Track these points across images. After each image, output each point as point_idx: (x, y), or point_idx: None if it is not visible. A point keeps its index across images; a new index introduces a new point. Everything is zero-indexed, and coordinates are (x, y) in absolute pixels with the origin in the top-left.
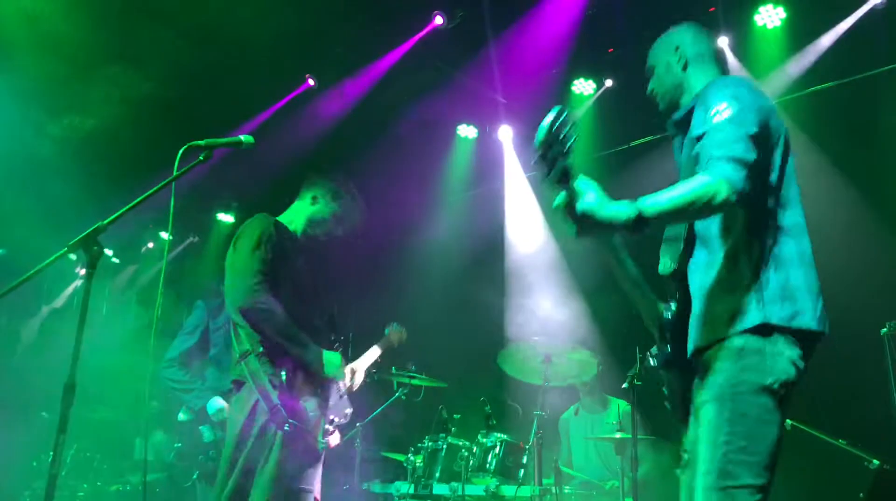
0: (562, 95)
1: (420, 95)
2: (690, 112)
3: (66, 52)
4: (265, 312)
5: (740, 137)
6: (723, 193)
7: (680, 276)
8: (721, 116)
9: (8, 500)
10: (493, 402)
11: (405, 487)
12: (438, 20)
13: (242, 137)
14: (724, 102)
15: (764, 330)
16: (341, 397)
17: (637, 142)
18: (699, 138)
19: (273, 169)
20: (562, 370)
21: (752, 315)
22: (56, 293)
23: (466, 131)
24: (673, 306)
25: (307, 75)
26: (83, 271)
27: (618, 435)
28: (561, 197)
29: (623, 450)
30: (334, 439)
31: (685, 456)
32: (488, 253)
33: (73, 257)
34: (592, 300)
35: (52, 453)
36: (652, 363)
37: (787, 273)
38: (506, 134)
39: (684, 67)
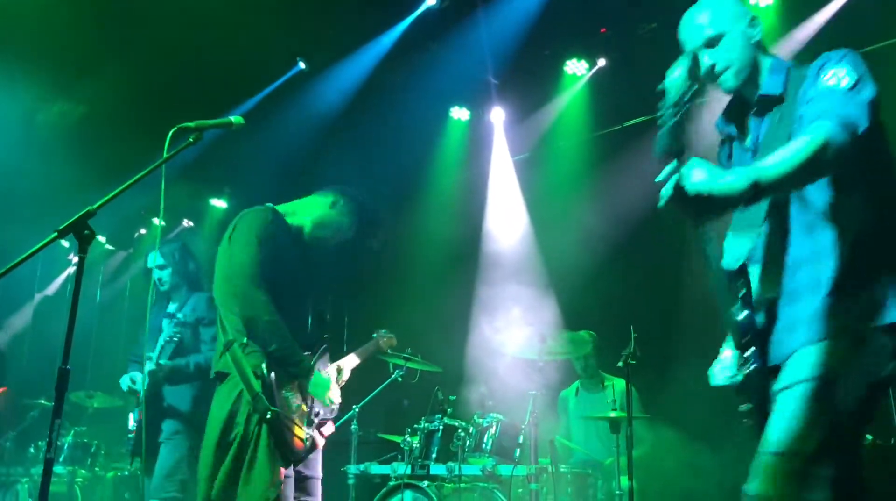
0: (554, 75)
1: (411, 76)
2: (784, 86)
3: (54, 38)
4: (256, 312)
5: (857, 102)
6: (832, 147)
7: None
8: (838, 81)
9: (6, 488)
10: (486, 383)
11: (402, 468)
12: (430, 0)
13: (232, 118)
14: (844, 69)
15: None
16: None
17: (631, 122)
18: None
19: (265, 153)
20: (557, 348)
21: (893, 311)
22: (48, 281)
23: (459, 114)
24: (743, 306)
25: (298, 58)
26: (76, 259)
27: (613, 414)
28: (669, 169)
29: (618, 429)
30: (326, 429)
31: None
32: (483, 235)
33: (65, 244)
34: (585, 280)
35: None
36: (725, 377)
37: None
38: (497, 116)
39: (758, 45)
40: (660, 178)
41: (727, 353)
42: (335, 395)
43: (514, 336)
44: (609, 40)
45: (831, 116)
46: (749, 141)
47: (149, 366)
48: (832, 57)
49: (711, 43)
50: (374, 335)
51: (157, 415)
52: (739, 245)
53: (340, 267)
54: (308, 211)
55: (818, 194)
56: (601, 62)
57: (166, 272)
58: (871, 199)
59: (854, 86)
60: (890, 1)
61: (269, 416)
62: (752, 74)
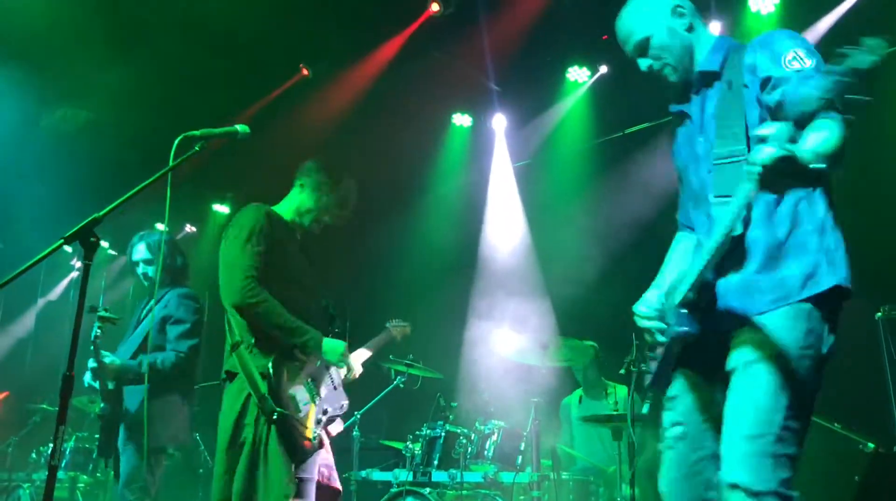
0: (556, 82)
1: (414, 83)
2: (723, 63)
3: (59, 44)
4: (256, 306)
5: (833, 81)
6: (844, 143)
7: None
8: (804, 63)
9: (8, 493)
10: (488, 390)
11: (404, 474)
12: (434, 7)
13: (238, 127)
14: (801, 50)
15: (832, 295)
16: (335, 388)
17: (632, 129)
18: (768, 81)
19: (268, 159)
20: (559, 355)
21: (825, 278)
22: (51, 286)
23: (461, 120)
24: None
25: (301, 65)
26: (79, 264)
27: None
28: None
29: (620, 435)
30: (335, 427)
31: (677, 429)
32: (484, 242)
33: (68, 249)
34: (588, 286)
35: (51, 444)
36: (657, 326)
37: (840, 233)
38: (499, 122)
39: (689, 29)
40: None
41: (652, 293)
42: (350, 358)
43: (515, 342)
44: (611, 47)
45: (834, 117)
46: (695, 116)
47: (92, 364)
48: (775, 36)
49: (643, 48)
50: (388, 325)
51: (116, 417)
52: (709, 210)
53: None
54: (291, 205)
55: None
56: (603, 69)
57: (152, 267)
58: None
59: (818, 64)
60: (890, 10)
61: (275, 417)
62: (688, 63)
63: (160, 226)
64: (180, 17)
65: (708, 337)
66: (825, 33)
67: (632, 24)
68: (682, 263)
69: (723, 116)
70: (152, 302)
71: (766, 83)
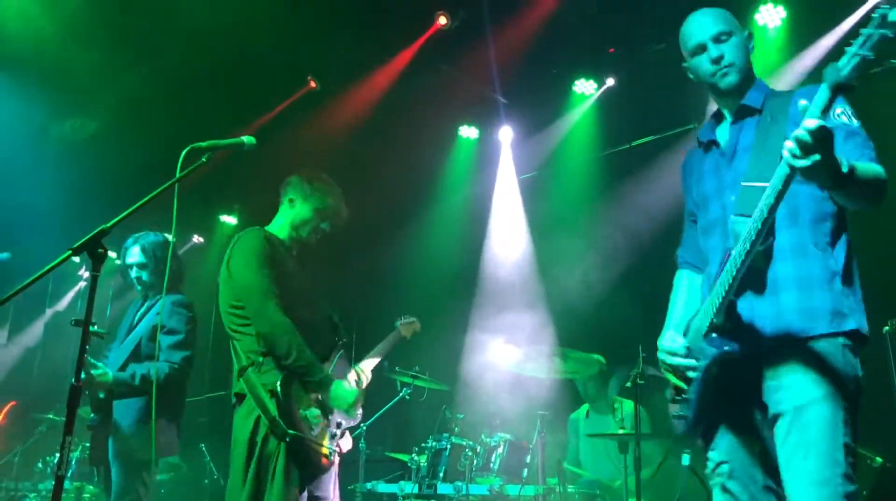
0: (563, 94)
1: (422, 95)
2: (763, 103)
3: (68, 55)
4: (277, 332)
5: (873, 148)
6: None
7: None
8: (853, 121)
9: None
10: (494, 403)
11: (409, 487)
12: (442, 20)
13: (245, 138)
14: (850, 109)
15: (855, 336)
16: None
17: (638, 142)
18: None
19: (276, 170)
20: (564, 366)
21: (851, 319)
22: (60, 296)
23: (468, 132)
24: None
25: (309, 77)
26: (87, 274)
27: (621, 431)
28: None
29: (626, 449)
30: (345, 443)
31: (724, 467)
32: (490, 254)
33: (76, 259)
34: (594, 298)
35: (57, 454)
36: (682, 356)
37: (859, 280)
38: (506, 135)
39: (750, 61)
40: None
41: (669, 334)
42: (357, 405)
43: (518, 354)
44: (618, 60)
45: (877, 162)
46: (726, 146)
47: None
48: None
49: (720, 38)
50: (396, 324)
51: (106, 428)
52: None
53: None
54: (283, 222)
55: (814, 203)
56: (609, 82)
57: (147, 271)
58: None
59: (860, 127)
60: None
61: (287, 440)
62: (745, 80)
63: (168, 236)
64: (188, 28)
65: (737, 366)
66: (830, 48)
67: (719, 17)
68: (691, 300)
69: (760, 146)
70: (143, 309)
71: None
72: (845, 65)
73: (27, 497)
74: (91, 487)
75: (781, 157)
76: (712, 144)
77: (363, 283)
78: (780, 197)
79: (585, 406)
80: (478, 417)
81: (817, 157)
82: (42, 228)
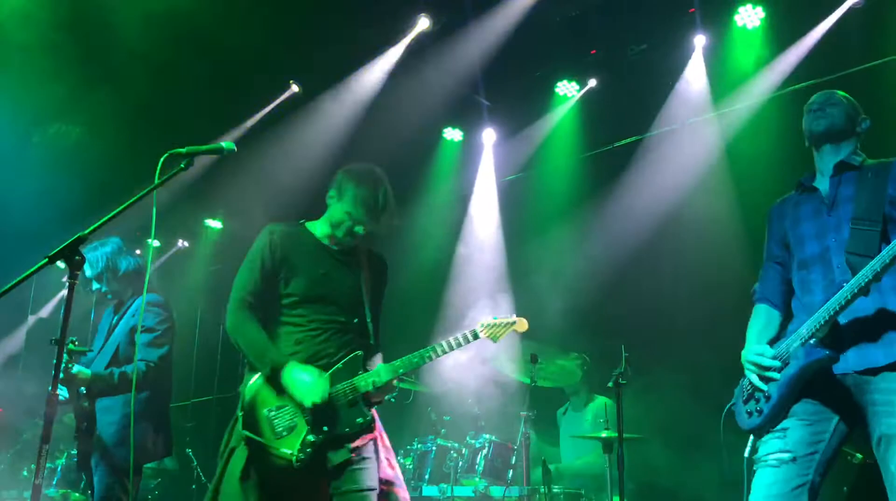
0: (545, 96)
1: (405, 98)
2: (861, 163)
3: (50, 60)
4: (232, 328)
5: None
6: None
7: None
8: None
9: None
10: (478, 404)
11: None
12: (425, 22)
13: (224, 144)
14: None
15: None
16: (350, 405)
17: (621, 142)
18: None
19: (259, 174)
20: (548, 372)
21: None
22: (42, 303)
23: (452, 134)
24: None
25: (290, 81)
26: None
27: (603, 435)
28: None
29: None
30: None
31: (786, 455)
32: (474, 254)
33: (60, 266)
34: (577, 298)
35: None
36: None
37: None
38: (488, 137)
39: (855, 130)
40: None
41: (756, 347)
42: (316, 394)
43: (506, 357)
44: (600, 62)
45: None
46: (826, 196)
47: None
48: None
49: (835, 102)
50: (478, 328)
51: (89, 433)
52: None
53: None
54: (324, 219)
55: None
56: (592, 83)
57: (103, 282)
58: None
59: None
60: (874, 23)
61: (243, 441)
62: (837, 138)
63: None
64: (170, 34)
65: (830, 374)
66: (810, 49)
67: (840, 94)
68: (768, 330)
69: (861, 195)
70: (118, 314)
71: None
72: None
73: None
74: (77, 494)
75: None
76: (812, 190)
77: None
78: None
79: (567, 403)
80: (463, 419)
81: None
82: (26, 233)
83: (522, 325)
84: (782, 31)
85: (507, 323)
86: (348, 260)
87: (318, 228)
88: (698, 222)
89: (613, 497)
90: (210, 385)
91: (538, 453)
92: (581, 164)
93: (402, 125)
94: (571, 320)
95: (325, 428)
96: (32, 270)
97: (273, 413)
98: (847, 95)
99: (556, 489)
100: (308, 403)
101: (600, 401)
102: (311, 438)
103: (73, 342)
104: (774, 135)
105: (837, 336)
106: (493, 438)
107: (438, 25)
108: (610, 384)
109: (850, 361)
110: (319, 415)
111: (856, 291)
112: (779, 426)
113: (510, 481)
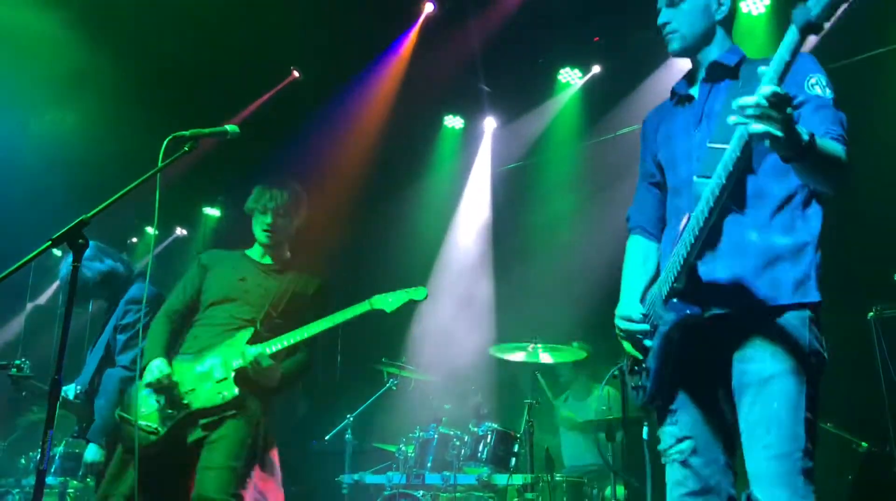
0: (548, 83)
1: (407, 85)
2: (738, 64)
3: (47, 47)
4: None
5: (844, 123)
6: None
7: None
8: (827, 92)
9: None
10: (481, 392)
11: (397, 477)
12: (429, 7)
13: (227, 127)
14: (824, 78)
15: (818, 309)
16: (211, 383)
17: (624, 131)
18: (788, 100)
19: (259, 161)
20: (550, 356)
21: (814, 292)
22: (41, 290)
23: (453, 122)
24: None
25: (292, 68)
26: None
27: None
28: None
29: (613, 436)
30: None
31: (687, 443)
32: (473, 241)
33: (57, 252)
34: (578, 287)
35: (40, 449)
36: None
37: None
38: (489, 124)
39: (721, 19)
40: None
41: (625, 303)
42: (160, 382)
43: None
44: (602, 49)
45: (845, 143)
46: (697, 104)
47: (72, 389)
48: (800, 59)
49: (673, 2)
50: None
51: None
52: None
53: None
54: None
55: (781, 172)
56: (595, 70)
57: (88, 287)
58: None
59: (834, 99)
60: (883, 9)
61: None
62: (701, 45)
63: (150, 229)
64: (170, 18)
65: (700, 332)
66: (816, 36)
67: (688, 8)
68: (646, 268)
69: (729, 110)
70: (107, 315)
71: None
72: (815, 3)
73: (10, 494)
74: (75, 482)
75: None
76: (687, 99)
77: (343, 272)
78: (737, 163)
79: (567, 392)
80: (465, 407)
81: (772, 125)
82: (24, 221)
83: (420, 293)
84: (787, 20)
85: (403, 293)
86: (273, 272)
87: (254, 249)
88: None
89: (617, 486)
90: None
91: (539, 441)
92: (583, 152)
93: (403, 111)
94: (571, 310)
95: (186, 403)
96: (35, 253)
97: (143, 396)
98: None
99: (558, 477)
100: (145, 381)
101: (605, 389)
102: (169, 411)
103: (17, 367)
104: None
105: (698, 281)
106: (496, 426)
107: (441, 11)
108: (615, 373)
109: (714, 306)
110: (177, 394)
111: (702, 227)
112: (672, 406)
113: (513, 469)
